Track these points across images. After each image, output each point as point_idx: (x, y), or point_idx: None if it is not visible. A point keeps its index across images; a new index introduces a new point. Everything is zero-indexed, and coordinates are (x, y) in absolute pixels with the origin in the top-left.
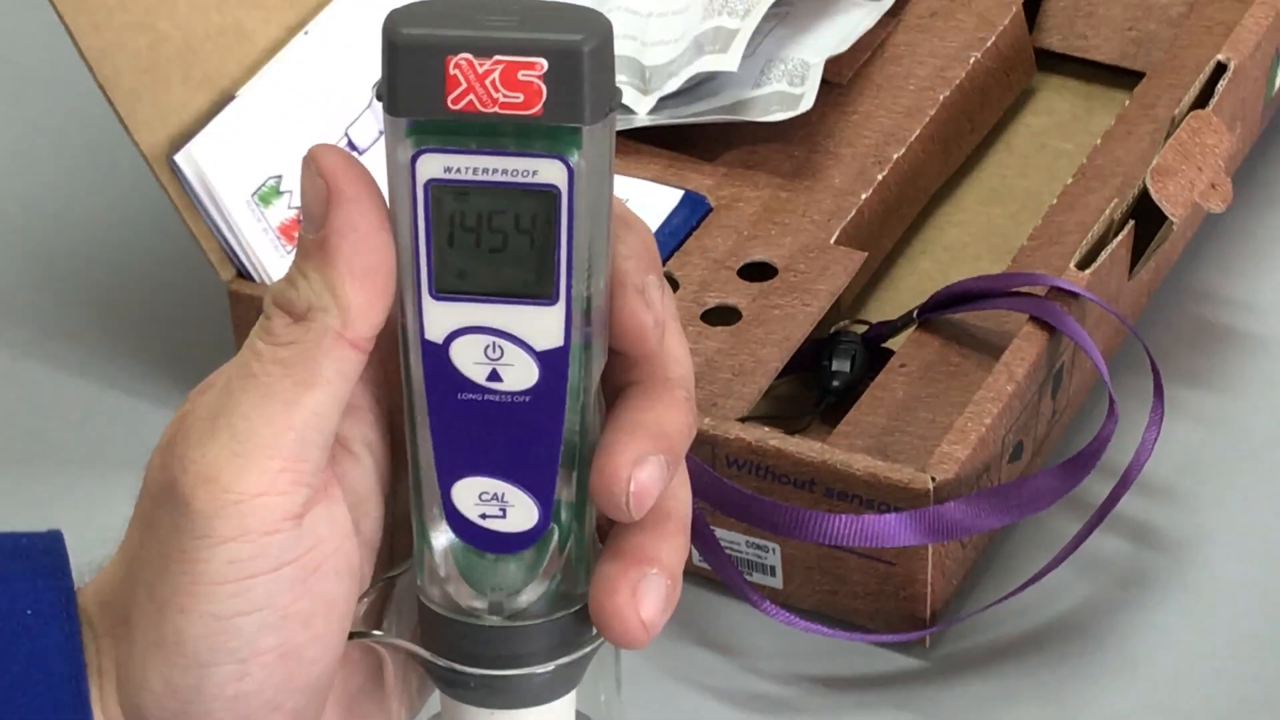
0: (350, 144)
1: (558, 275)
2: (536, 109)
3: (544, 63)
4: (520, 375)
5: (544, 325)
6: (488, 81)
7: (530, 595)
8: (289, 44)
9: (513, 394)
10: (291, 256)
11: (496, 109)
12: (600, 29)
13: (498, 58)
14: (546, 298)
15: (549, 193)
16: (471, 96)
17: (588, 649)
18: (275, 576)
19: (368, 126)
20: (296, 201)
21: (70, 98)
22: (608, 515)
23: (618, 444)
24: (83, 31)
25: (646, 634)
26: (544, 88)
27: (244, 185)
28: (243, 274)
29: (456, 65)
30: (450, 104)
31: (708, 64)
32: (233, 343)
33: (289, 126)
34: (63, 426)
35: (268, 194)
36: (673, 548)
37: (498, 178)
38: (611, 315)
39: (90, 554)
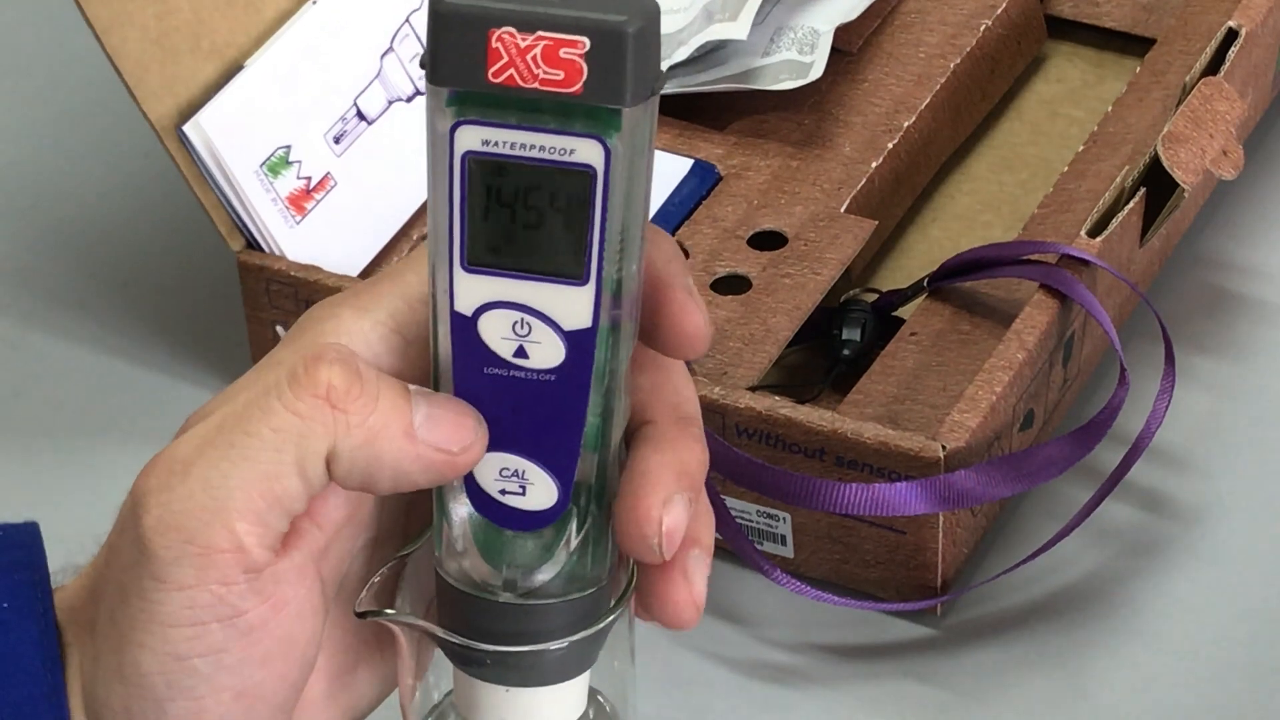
0: (359, 114)
1: (589, 256)
2: (576, 87)
3: (586, 41)
4: (547, 354)
5: (573, 305)
6: (529, 57)
7: (545, 574)
8: (297, 14)
9: (538, 372)
10: (299, 226)
11: (536, 85)
12: (647, 10)
13: (540, 33)
14: (577, 278)
15: (585, 173)
16: (512, 70)
17: (601, 626)
18: (232, 623)
19: (376, 96)
20: (305, 172)
21: (78, 69)
22: (635, 559)
23: (644, 489)
24: (91, 2)
25: (699, 614)
26: (585, 66)
27: (252, 156)
28: (252, 244)
29: (499, 38)
30: (490, 76)
31: (717, 32)
32: (242, 313)
33: (298, 97)
34: (70, 397)
35: (276, 164)
36: (706, 523)
37: (535, 154)
38: (663, 316)
39: (96, 526)
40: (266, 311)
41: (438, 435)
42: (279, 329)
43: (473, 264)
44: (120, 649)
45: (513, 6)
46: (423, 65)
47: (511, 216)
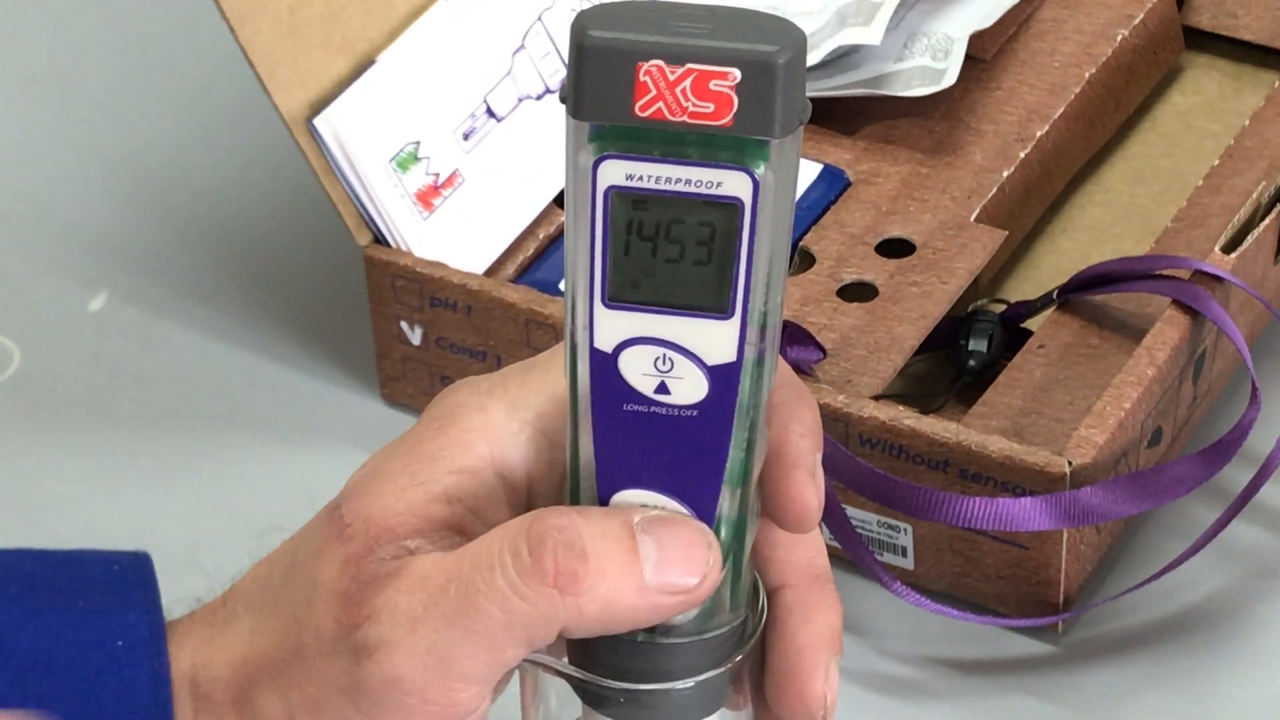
0: (489, 111)
1: (735, 289)
2: (726, 120)
3: (737, 73)
4: (689, 389)
5: (717, 339)
6: (678, 90)
7: (685, 614)
8: (430, 9)
9: (680, 408)
10: (427, 222)
11: (685, 118)
12: (794, 40)
13: (690, 65)
14: (721, 311)
15: (732, 205)
16: (660, 104)
17: (734, 664)
18: None
19: (507, 94)
20: (434, 168)
21: (209, 60)
22: None
23: (804, 667)
24: None
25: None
26: (735, 98)
27: (382, 150)
28: (379, 239)
29: (647, 72)
30: (638, 111)
31: (850, 36)
32: (367, 307)
33: (428, 92)
34: (196, 386)
35: (406, 160)
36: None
37: (680, 188)
38: (779, 492)
39: (216, 516)
40: (392, 307)
41: (671, 576)
42: (404, 325)
43: (614, 300)
44: None
45: (660, 38)
46: (562, 99)
47: (654, 251)
